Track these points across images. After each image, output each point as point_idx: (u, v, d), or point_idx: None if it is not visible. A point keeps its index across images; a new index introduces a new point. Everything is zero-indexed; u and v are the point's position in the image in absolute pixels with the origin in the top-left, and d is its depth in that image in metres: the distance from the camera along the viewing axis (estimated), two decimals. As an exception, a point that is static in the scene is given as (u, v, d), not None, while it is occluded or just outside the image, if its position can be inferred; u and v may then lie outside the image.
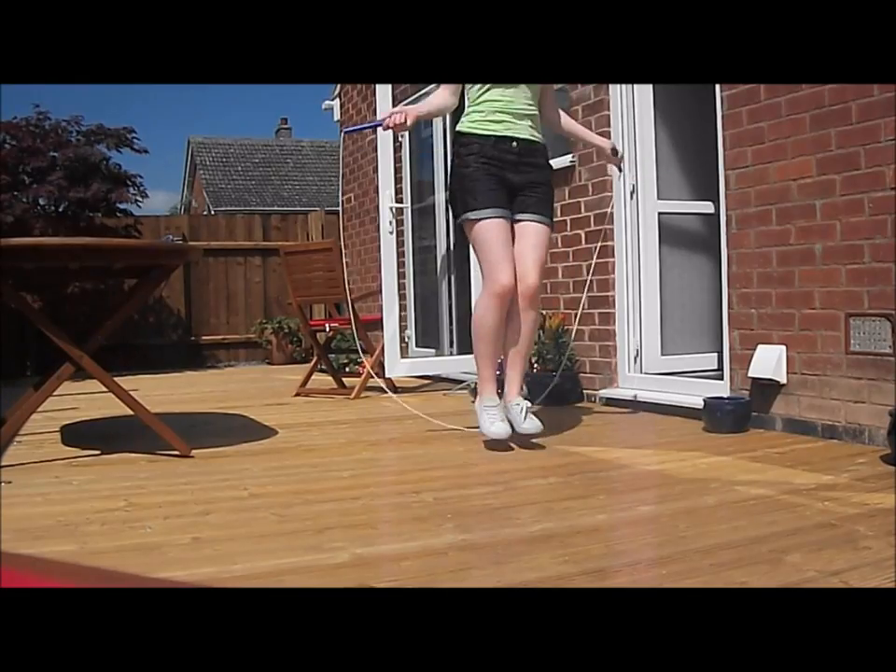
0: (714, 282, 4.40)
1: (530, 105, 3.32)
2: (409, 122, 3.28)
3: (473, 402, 4.88)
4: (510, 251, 3.24)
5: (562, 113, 3.67)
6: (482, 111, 3.28)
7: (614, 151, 3.82)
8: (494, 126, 3.26)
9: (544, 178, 3.41)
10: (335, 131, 8.79)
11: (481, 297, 3.30)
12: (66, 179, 7.75)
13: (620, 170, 4.14)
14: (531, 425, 3.33)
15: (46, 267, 3.70)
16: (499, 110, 3.26)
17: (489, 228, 3.22)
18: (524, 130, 3.29)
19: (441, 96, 3.40)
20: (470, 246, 3.44)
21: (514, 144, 3.27)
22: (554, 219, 3.59)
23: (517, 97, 3.28)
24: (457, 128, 3.38)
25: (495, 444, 3.35)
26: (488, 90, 3.28)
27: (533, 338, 3.51)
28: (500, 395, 3.44)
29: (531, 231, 3.31)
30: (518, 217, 3.31)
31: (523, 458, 3.22)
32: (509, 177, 3.27)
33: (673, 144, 4.82)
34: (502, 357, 3.45)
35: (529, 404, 3.41)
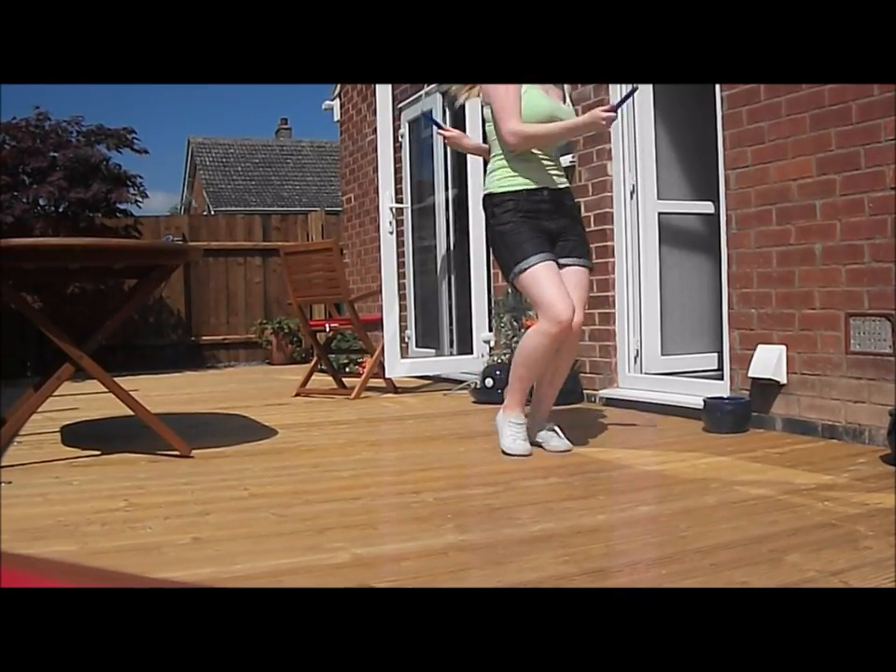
0: (714, 282, 4.40)
1: (551, 148, 3.34)
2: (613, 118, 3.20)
3: (474, 402, 4.91)
4: (564, 289, 3.22)
5: None
6: (504, 167, 3.29)
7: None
8: (522, 179, 3.26)
9: (576, 220, 3.45)
10: (335, 131, 8.80)
11: (536, 330, 3.24)
12: (66, 180, 7.75)
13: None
14: (559, 443, 3.36)
15: (46, 267, 3.70)
16: (523, 160, 3.26)
17: (542, 270, 3.20)
18: (550, 178, 3.30)
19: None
20: (528, 296, 3.40)
21: (546, 193, 3.28)
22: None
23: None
24: (487, 190, 3.35)
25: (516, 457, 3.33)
26: None
27: (567, 372, 3.53)
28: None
29: (574, 274, 3.32)
30: (560, 262, 3.30)
31: (522, 458, 3.22)
32: (546, 225, 3.28)
33: (673, 144, 4.82)
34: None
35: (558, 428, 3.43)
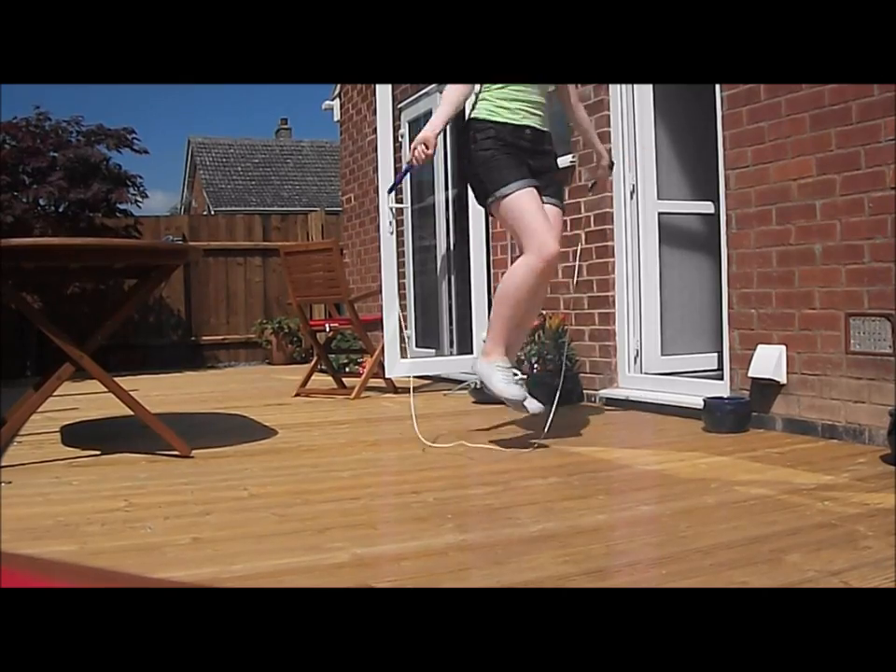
0: (714, 282, 4.40)
1: (542, 93, 3.37)
2: (431, 149, 3.27)
3: (474, 402, 4.90)
4: (548, 219, 3.21)
5: (582, 108, 3.75)
6: (497, 98, 3.30)
7: (611, 167, 3.88)
8: (510, 114, 3.27)
9: (555, 165, 3.48)
10: (335, 131, 8.80)
11: (524, 261, 3.18)
12: (66, 180, 7.75)
13: (591, 187, 4.20)
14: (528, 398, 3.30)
15: (46, 267, 3.70)
16: (515, 98, 3.28)
17: (525, 197, 3.18)
18: (536, 118, 3.33)
19: (457, 91, 3.32)
20: (507, 224, 3.36)
21: (528, 132, 3.30)
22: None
23: (531, 87, 3.31)
24: (472, 114, 3.34)
25: (514, 407, 3.30)
26: None
27: (538, 311, 3.57)
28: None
29: (552, 213, 3.32)
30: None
31: (523, 458, 3.22)
32: (527, 161, 3.28)
33: (673, 144, 4.81)
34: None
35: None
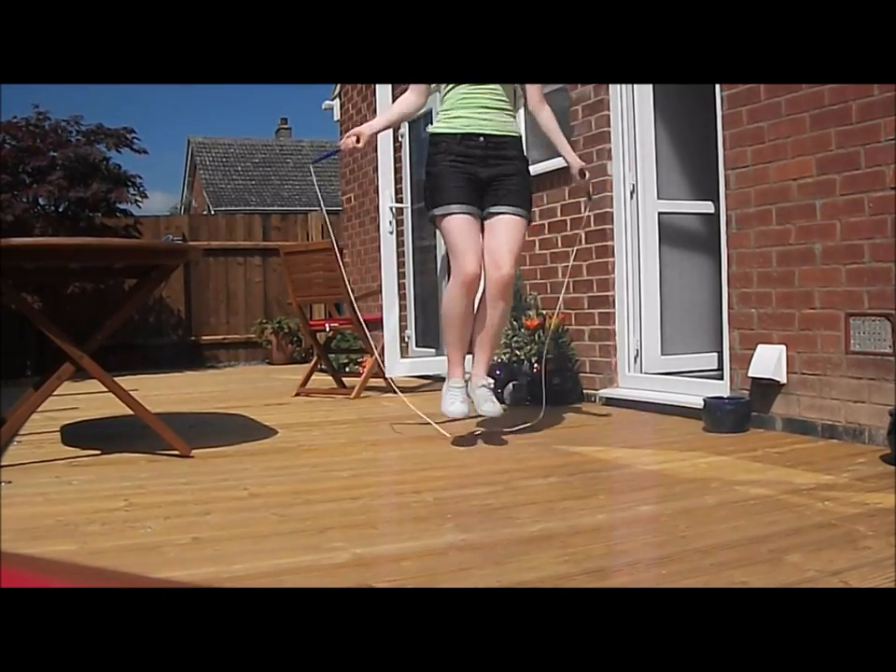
0: (714, 282, 4.40)
1: (499, 97, 3.34)
2: (362, 143, 3.38)
3: (508, 405, 4.89)
4: (475, 242, 3.30)
5: (547, 111, 3.58)
6: (447, 109, 3.35)
7: (581, 174, 3.70)
8: (458, 122, 3.31)
9: (515, 170, 3.41)
10: (335, 131, 8.80)
11: (449, 286, 3.39)
12: (66, 179, 7.76)
13: (590, 198, 4.11)
14: (490, 408, 3.41)
15: (46, 267, 3.70)
16: (464, 106, 3.30)
17: (454, 221, 3.29)
18: (490, 124, 3.32)
19: (404, 100, 3.49)
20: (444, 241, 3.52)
21: (481, 139, 3.31)
22: (532, 212, 3.59)
23: (482, 91, 3.31)
24: (429, 129, 3.44)
25: (460, 441, 3.49)
26: (453, 87, 3.33)
27: (503, 326, 3.60)
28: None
29: (503, 223, 3.35)
30: (490, 210, 3.36)
31: (523, 458, 3.22)
32: (477, 172, 3.32)
33: (673, 144, 4.81)
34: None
35: (491, 385, 3.50)
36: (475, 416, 3.71)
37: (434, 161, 3.36)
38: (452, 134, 3.31)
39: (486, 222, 3.39)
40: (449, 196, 3.30)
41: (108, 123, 8.42)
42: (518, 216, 3.38)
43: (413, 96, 3.46)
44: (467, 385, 3.48)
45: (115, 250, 3.52)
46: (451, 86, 3.33)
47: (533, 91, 3.53)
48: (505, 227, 3.34)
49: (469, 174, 3.31)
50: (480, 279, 3.32)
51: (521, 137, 3.49)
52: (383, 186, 5.45)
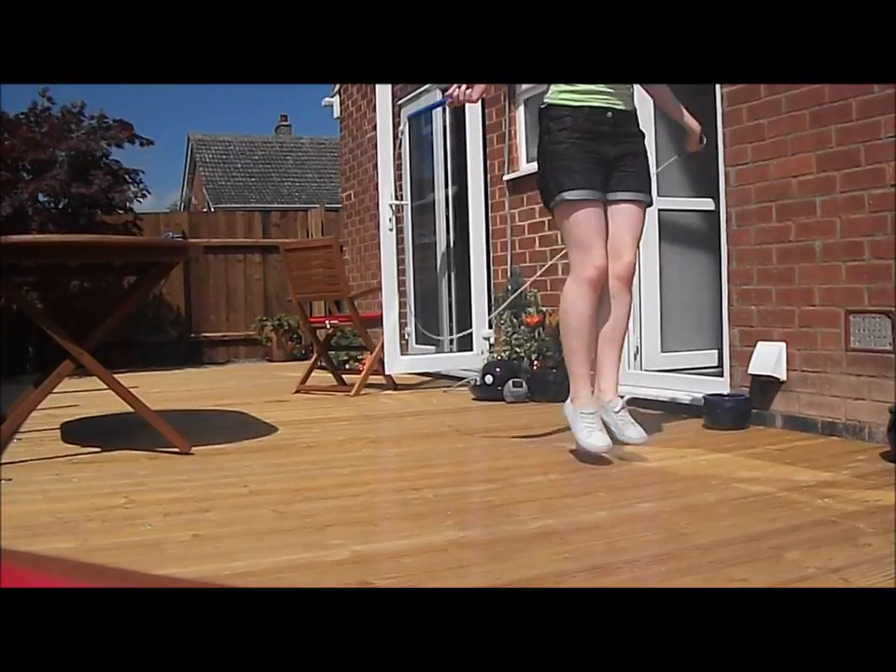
0: (714, 279, 4.39)
1: None
2: (473, 97, 3.09)
3: (474, 399, 4.90)
4: (603, 234, 2.97)
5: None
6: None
7: (701, 139, 3.38)
8: (587, 97, 2.96)
9: (640, 148, 3.13)
10: (335, 127, 8.80)
11: (569, 284, 3.01)
12: (67, 175, 7.75)
13: (698, 143, 3.47)
14: (637, 433, 3.01)
15: (45, 264, 3.70)
16: None
17: (585, 211, 2.93)
18: (617, 99, 3.01)
19: None
20: (560, 229, 3.15)
21: (609, 115, 2.98)
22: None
23: None
24: (546, 100, 3.04)
25: (592, 457, 2.96)
26: None
27: (627, 324, 3.17)
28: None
29: (628, 210, 3.05)
30: (615, 195, 3.03)
31: (522, 455, 3.22)
32: (604, 151, 2.98)
33: (673, 141, 4.81)
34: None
35: (625, 405, 3.07)
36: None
37: (557, 138, 2.95)
38: (579, 107, 2.94)
39: (610, 208, 3.05)
40: (579, 179, 2.92)
41: (108, 121, 8.38)
42: (644, 202, 3.09)
43: None
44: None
45: (114, 247, 3.52)
46: None
47: None
48: (629, 213, 3.04)
49: (597, 154, 2.96)
50: (606, 274, 2.97)
51: (637, 112, 3.17)
52: (383, 183, 5.45)
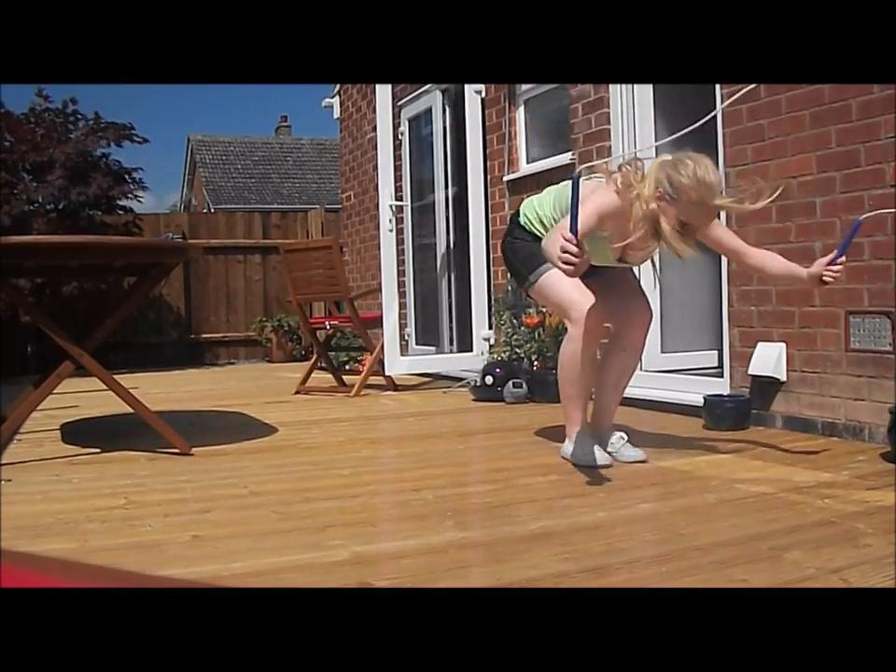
0: (714, 279, 4.39)
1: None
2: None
3: (473, 399, 4.90)
4: (582, 286, 2.90)
5: (726, 232, 3.18)
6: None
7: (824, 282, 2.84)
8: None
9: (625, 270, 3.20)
10: (335, 128, 8.80)
11: (566, 338, 3.01)
12: (67, 178, 7.75)
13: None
14: (635, 452, 3.06)
15: (46, 265, 3.70)
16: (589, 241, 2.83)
17: (557, 273, 2.68)
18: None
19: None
20: (543, 302, 3.25)
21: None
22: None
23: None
24: (520, 217, 3.12)
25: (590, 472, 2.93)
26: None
27: (633, 372, 3.23)
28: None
29: (616, 272, 3.12)
30: (595, 272, 3.01)
31: (522, 456, 3.22)
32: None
33: (673, 142, 4.80)
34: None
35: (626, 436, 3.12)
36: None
37: (522, 236, 3.11)
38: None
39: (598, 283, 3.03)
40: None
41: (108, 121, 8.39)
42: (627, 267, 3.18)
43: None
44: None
45: (114, 248, 3.52)
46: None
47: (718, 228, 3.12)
48: (617, 273, 3.15)
49: None
50: (596, 318, 2.91)
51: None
52: (383, 184, 5.45)
